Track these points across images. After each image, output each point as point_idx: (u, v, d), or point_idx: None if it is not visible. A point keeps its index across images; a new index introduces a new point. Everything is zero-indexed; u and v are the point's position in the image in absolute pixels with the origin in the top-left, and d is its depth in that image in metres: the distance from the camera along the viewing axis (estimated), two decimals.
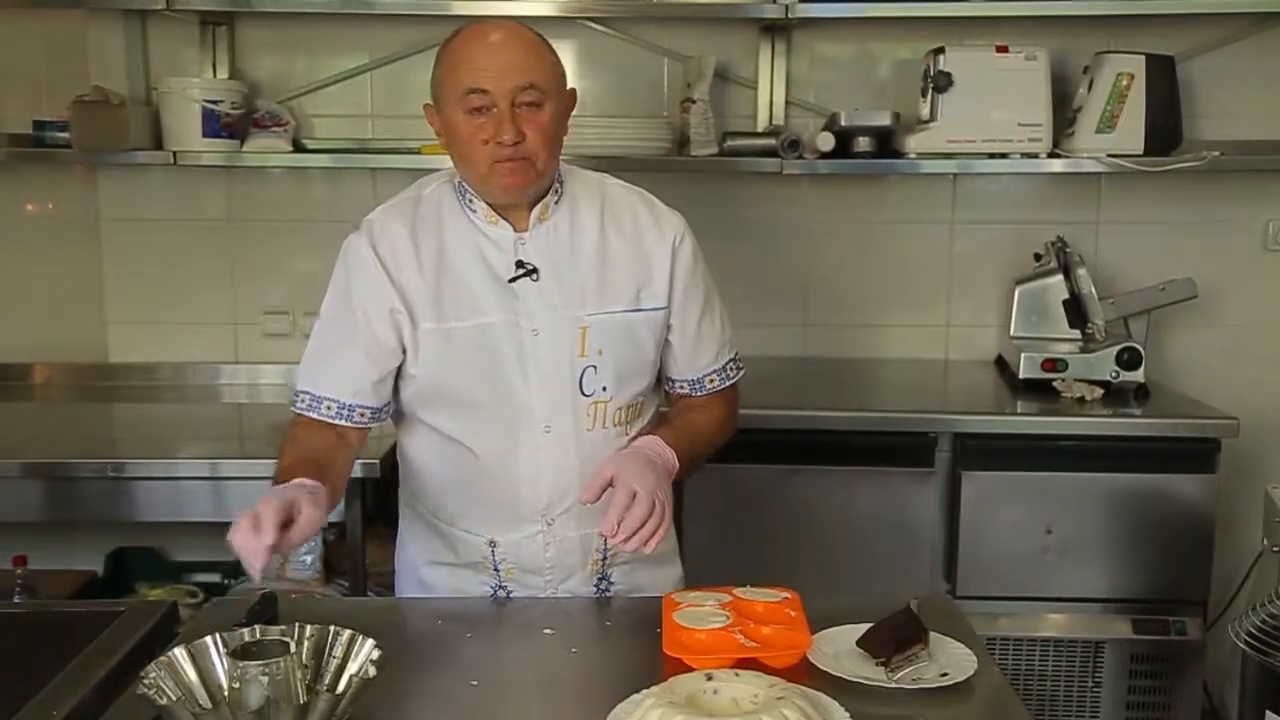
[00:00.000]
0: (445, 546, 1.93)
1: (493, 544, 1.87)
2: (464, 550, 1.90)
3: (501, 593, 1.90)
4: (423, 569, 1.95)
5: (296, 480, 1.64)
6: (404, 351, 1.82)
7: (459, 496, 1.89)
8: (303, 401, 1.85)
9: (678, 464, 1.80)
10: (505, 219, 1.82)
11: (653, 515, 1.66)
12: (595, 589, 1.91)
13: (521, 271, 1.81)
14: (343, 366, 1.83)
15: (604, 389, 1.84)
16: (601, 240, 1.85)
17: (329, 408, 1.83)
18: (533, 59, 1.75)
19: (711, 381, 1.97)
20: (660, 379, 1.98)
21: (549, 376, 1.81)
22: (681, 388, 1.98)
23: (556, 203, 1.85)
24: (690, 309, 1.91)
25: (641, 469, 1.70)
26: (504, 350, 1.81)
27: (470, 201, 1.83)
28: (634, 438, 1.87)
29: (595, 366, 1.83)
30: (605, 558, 1.90)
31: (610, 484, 1.69)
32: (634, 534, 1.64)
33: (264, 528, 1.49)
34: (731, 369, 1.99)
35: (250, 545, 1.49)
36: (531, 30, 1.80)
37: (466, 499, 1.88)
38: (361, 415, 1.84)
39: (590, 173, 1.94)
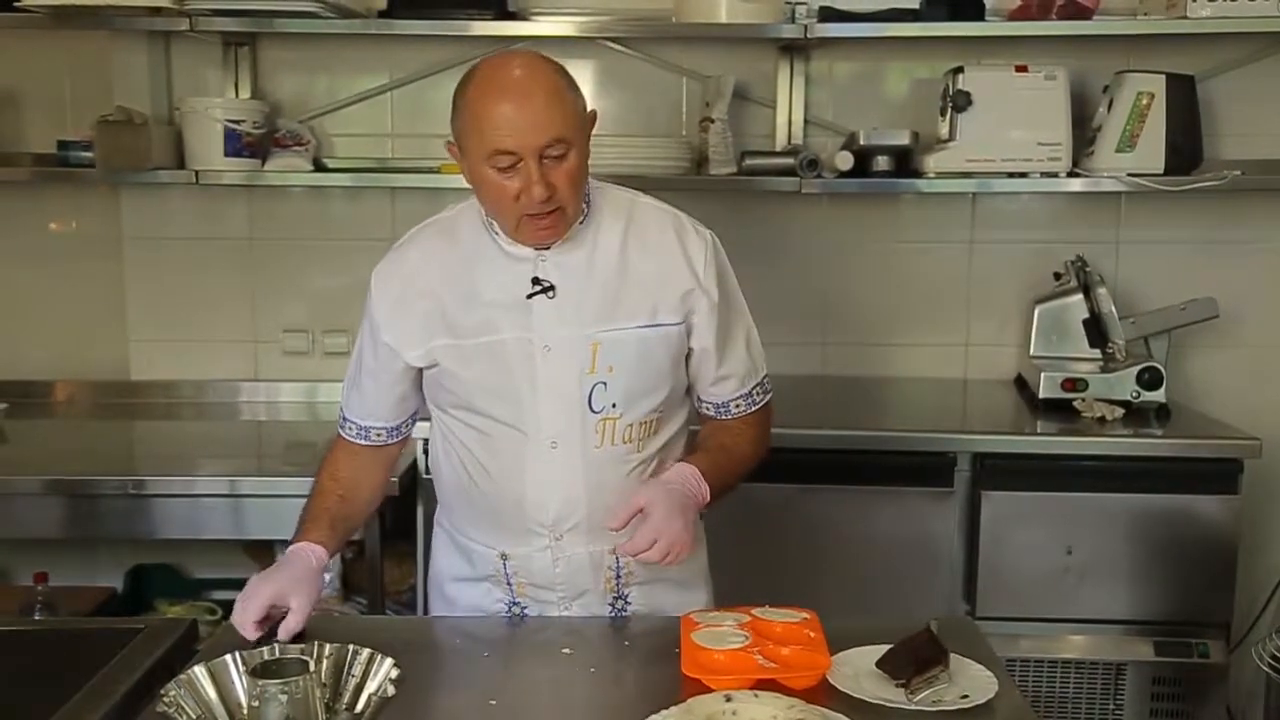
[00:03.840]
0: (464, 560, 1.95)
1: (504, 557, 1.89)
2: (479, 563, 1.92)
3: (516, 609, 1.91)
4: (447, 584, 1.99)
5: (302, 547, 1.82)
6: (417, 370, 1.88)
7: (472, 508, 1.91)
8: (339, 421, 1.99)
9: (709, 497, 1.83)
10: None
11: (664, 559, 1.72)
12: (611, 608, 1.91)
13: (538, 289, 1.81)
14: (364, 392, 1.94)
15: (613, 406, 1.83)
16: (622, 258, 1.84)
17: (350, 429, 1.96)
18: (556, 109, 1.70)
19: (737, 406, 1.96)
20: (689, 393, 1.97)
21: (558, 393, 1.81)
22: (708, 410, 1.97)
23: (581, 222, 1.84)
24: (712, 334, 1.88)
25: (670, 512, 1.73)
26: (514, 366, 1.81)
27: (492, 222, 1.84)
28: (655, 461, 1.89)
29: (605, 383, 1.82)
30: (619, 576, 1.90)
31: (641, 512, 1.73)
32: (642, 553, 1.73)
33: (246, 624, 1.68)
34: (758, 393, 1.97)
35: (240, 624, 1.70)
36: (550, 66, 1.74)
37: (478, 510, 1.90)
38: (378, 435, 1.95)
39: (623, 191, 1.91)
